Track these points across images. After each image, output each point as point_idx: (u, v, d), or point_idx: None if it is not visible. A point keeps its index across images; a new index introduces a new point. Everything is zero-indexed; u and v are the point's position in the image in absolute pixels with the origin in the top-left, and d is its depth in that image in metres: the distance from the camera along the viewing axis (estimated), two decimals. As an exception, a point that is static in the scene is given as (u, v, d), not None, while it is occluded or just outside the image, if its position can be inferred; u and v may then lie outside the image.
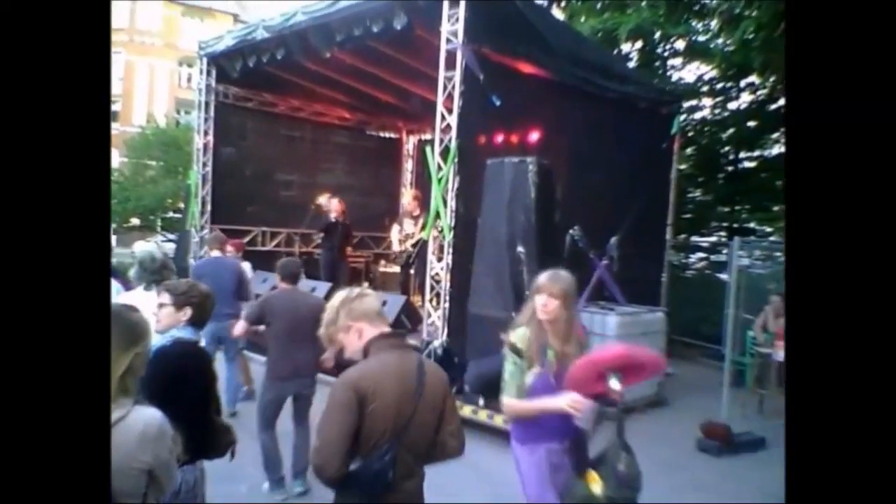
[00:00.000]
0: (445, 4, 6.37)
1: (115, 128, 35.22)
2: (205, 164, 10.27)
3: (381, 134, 13.24)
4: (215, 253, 6.65)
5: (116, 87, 36.62)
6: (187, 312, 2.87)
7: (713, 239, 12.49)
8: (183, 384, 2.63)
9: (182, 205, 14.53)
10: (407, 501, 2.29)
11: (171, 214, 19.44)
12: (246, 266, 7.06)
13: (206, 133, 10.24)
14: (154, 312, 2.83)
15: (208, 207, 10.29)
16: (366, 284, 9.92)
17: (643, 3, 10.26)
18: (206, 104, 10.21)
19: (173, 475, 2.02)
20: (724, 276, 10.04)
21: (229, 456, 2.90)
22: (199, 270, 6.43)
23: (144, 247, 3.97)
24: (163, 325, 2.87)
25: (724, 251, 11.11)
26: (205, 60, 10.13)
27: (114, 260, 5.04)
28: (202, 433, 2.69)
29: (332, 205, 9.73)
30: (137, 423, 1.88)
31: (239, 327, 4.85)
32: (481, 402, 5.84)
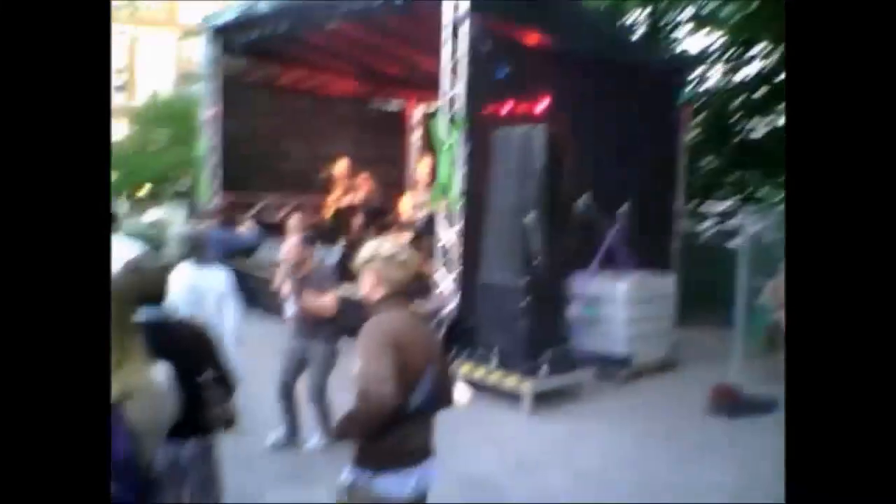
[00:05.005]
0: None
1: (121, 102, 35.16)
2: (212, 136, 10.27)
3: (387, 104, 13.14)
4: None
5: (121, 61, 36.40)
6: None
7: (724, 206, 12.44)
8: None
9: (189, 175, 14.58)
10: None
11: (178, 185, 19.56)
12: None
13: (212, 104, 10.22)
14: None
15: (217, 178, 10.31)
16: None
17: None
18: (212, 76, 10.19)
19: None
20: (735, 244, 10.00)
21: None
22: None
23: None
24: None
25: (735, 219, 11.05)
26: (209, 33, 10.09)
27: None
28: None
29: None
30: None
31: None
32: (494, 363, 5.92)
